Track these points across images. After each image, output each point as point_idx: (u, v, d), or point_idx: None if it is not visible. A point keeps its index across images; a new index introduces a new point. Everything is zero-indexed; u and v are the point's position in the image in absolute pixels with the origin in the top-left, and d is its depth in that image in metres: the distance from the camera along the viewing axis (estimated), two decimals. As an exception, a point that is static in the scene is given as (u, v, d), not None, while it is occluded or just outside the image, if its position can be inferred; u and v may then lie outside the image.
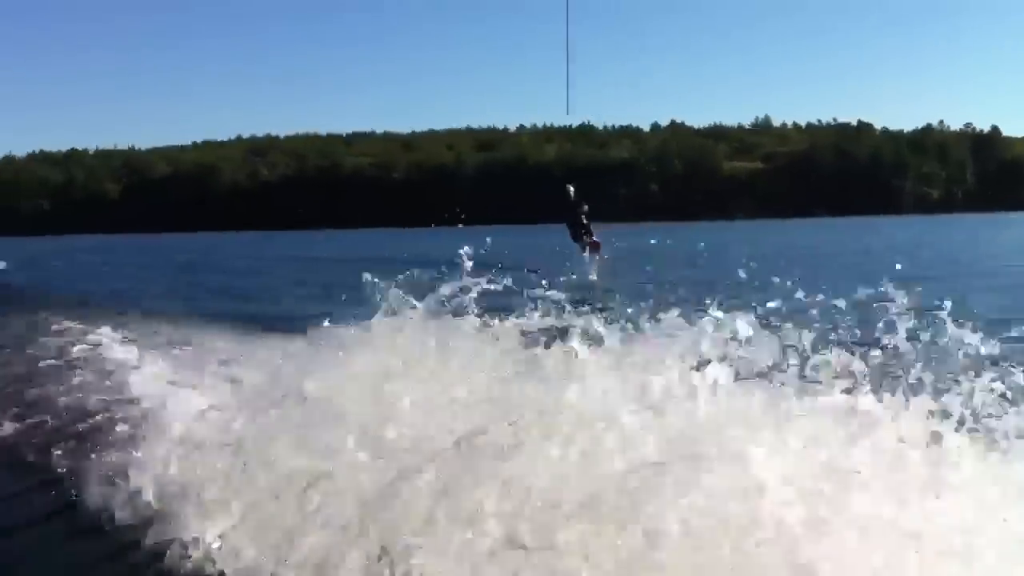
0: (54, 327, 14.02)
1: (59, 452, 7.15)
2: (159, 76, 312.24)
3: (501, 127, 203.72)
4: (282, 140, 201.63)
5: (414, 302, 6.60)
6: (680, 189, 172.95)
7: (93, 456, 6.74)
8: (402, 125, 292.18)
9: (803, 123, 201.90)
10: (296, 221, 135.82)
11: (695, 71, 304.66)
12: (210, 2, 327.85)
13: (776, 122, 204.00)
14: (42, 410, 8.70)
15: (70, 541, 5.71)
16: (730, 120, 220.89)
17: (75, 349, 11.92)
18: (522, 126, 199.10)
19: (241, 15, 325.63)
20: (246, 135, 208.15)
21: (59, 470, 6.77)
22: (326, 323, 7.55)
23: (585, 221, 22.91)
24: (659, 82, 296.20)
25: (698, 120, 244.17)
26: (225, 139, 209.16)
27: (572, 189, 23.57)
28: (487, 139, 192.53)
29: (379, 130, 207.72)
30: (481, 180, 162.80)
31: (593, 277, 20.49)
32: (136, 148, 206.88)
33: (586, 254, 22.59)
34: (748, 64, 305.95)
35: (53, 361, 11.34)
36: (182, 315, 16.51)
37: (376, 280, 6.73)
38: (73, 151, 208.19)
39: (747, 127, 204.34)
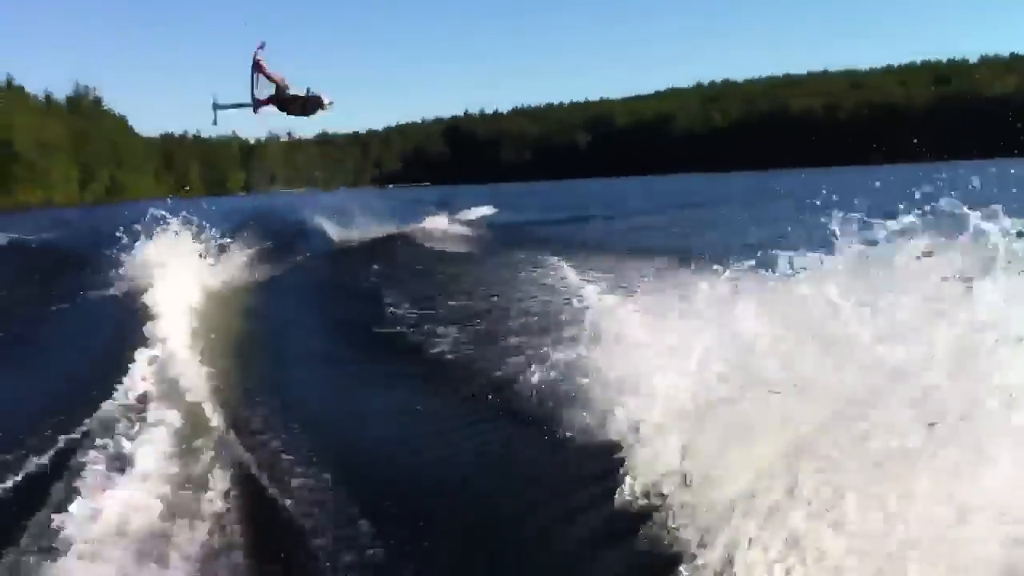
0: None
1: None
2: (622, 32, 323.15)
3: (958, 58, 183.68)
4: (739, 84, 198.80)
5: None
6: None
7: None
8: (851, 62, 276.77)
9: None
10: (748, 163, 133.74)
11: None
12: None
13: None
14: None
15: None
16: None
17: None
18: (984, 56, 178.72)
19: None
20: (705, 81, 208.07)
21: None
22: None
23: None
24: None
25: None
26: (684, 86, 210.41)
27: None
28: (942, 72, 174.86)
29: (832, 68, 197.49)
30: (935, 115, 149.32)
31: None
32: (605, 99, 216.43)
33: None
34: None
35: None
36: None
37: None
38: (549, 105, 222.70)
39: None
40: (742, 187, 61.45)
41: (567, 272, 12.79)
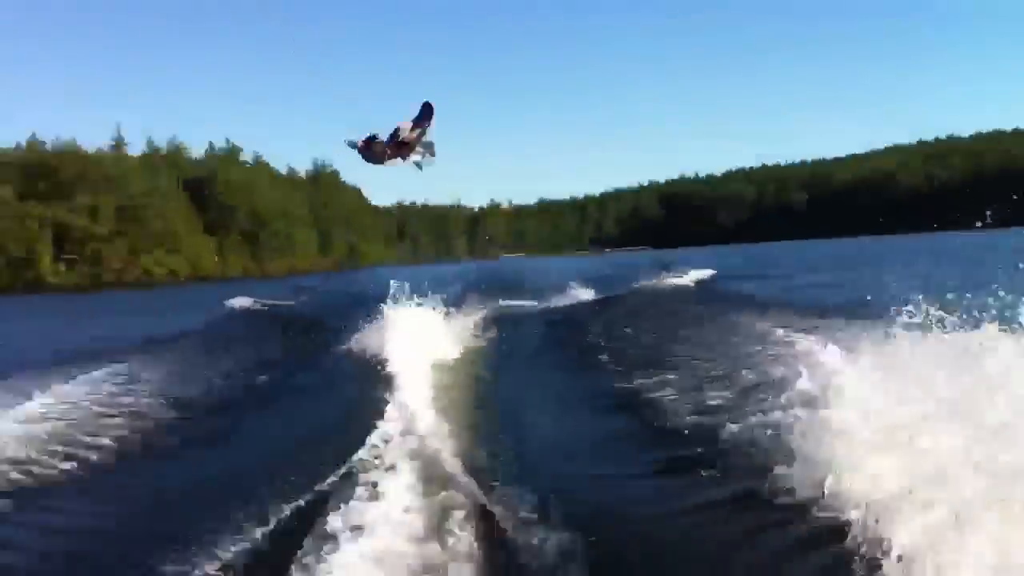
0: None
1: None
2: (837, 89, 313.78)
3: None
4: (964, 139, 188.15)
5: None
6: None
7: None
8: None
9: None
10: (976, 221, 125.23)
11: None
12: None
13: None
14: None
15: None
16: None
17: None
18: None
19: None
20: (928, 138, 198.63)
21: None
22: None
23: None
24: None
25: None
26: (905, 142, 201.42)
27: None
28: None
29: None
30: None
31: None
32: (822, 158, 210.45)
33: None
34: None
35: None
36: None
37: None
38: (764, 166, 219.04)
39: None
40: (978, 246, 58.05)
41: (793, 336, 12.54)
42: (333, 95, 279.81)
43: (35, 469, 8.58)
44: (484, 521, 5.98)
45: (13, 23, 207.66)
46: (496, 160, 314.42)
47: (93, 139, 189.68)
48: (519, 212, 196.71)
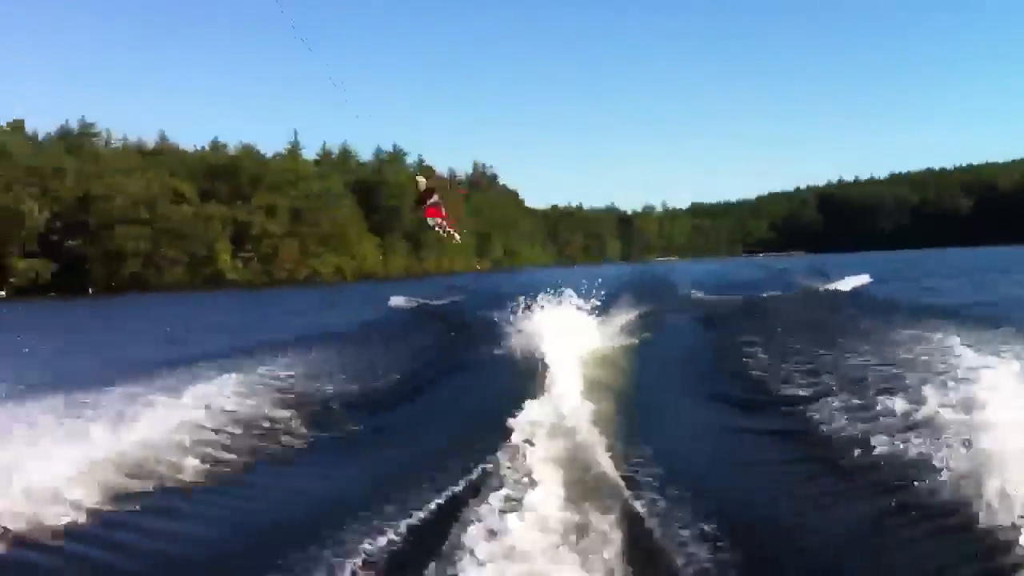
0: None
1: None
2: (1006, 88, 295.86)
3: None
4: None
5: None
6: None
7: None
8: None
9: None
10: None
11: None
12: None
13: None
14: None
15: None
16: None
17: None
18: None
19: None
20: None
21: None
22: None
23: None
24: None
25: None
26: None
27: None
28: None
29: None
30: None
31: None
32: (989, 162, 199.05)
33: None
34: None
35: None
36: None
37: None
38: (928, 170, 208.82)
39: None
40: None
41: (960, 349, 12.04)
42: (487, 98, 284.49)
43: (223, 454, 9.02)
44: (630, 521, 5.94)
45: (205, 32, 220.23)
46: (649, 164, 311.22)
47: (271, 144, 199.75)
48: (671, 216, 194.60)
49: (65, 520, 6.90)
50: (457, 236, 19.64)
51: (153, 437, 9.03)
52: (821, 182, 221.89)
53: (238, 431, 9.94)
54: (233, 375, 12.84)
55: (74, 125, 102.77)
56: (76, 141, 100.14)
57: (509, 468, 7.14)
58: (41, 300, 64.45)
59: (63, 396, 10.55)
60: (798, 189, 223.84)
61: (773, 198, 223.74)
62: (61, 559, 6.25)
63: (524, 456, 7.45)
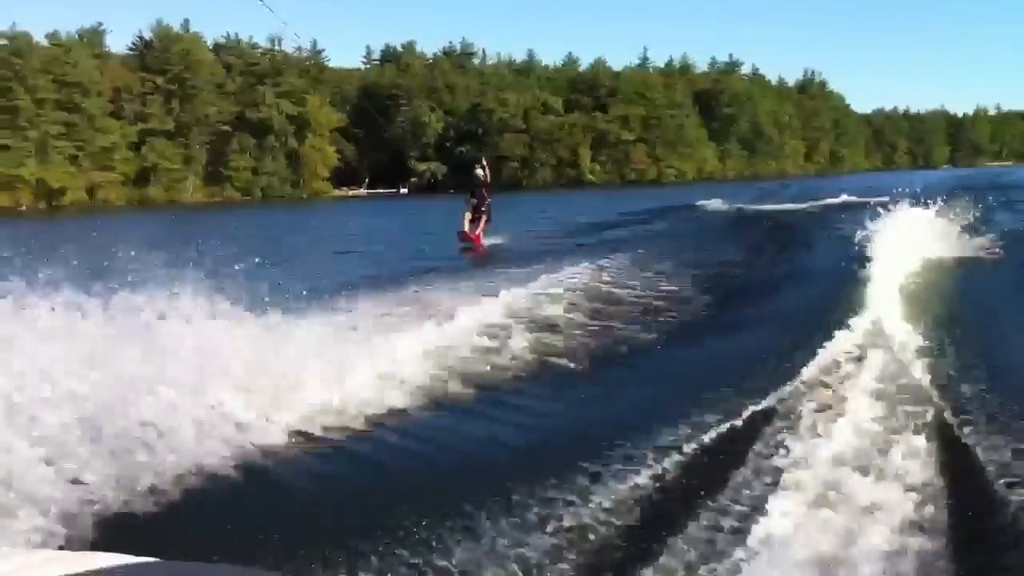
0: None
1: None
2: None
3: None
4: None
5: None
6: None
7: None
8: None
9: None
10: None
11: None
12: None
13: None
14: None
15: None
16: None
17: None
18: None
19: None
20: None
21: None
22: None
23: None
24: None
25: None
26: None
27: None
28: None
29: None
30: None
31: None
32: None
33: None
34: None
35: None
36: None
37: None
38: None
39: None
40: None
41: None
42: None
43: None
44: (947, 450, 4.99)
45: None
46: (983, 64, 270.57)
47: (620, 57, 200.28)
48: (1005, 118, 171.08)
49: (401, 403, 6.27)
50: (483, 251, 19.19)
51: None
52: None
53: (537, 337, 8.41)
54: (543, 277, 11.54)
55: (456, 45, 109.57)
56: (458, 60, 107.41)
57: (816, 387, 6.28)
58: (435, 196, 69.66)
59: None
60: None
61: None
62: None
63: (836, 372, 6.64)
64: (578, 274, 11.91)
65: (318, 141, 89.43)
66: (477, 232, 19.65)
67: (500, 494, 4.38)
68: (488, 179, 20.57)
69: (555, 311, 9.50)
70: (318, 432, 5.62)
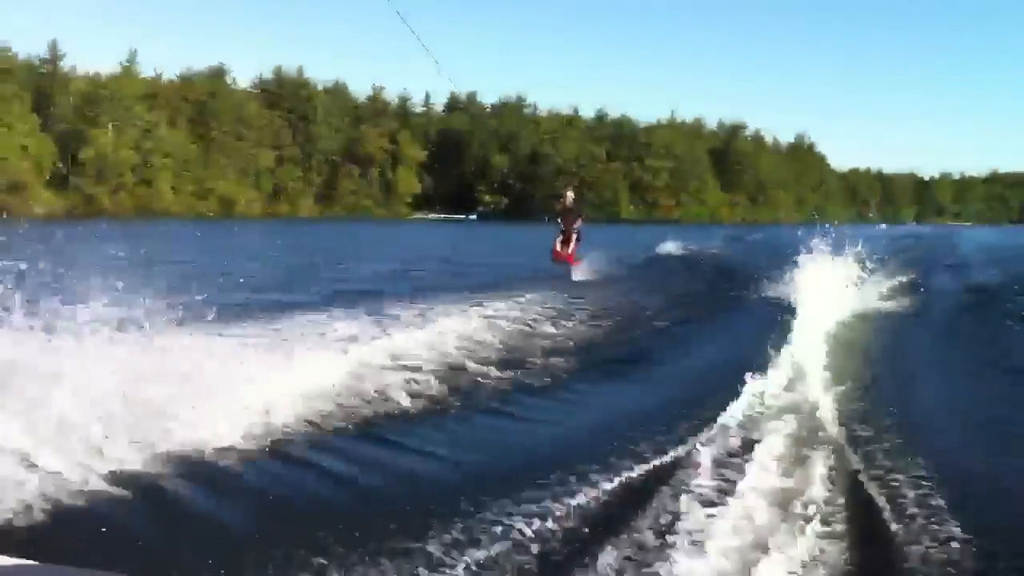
0: None
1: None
2: None
3: None
4: None
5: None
6: None
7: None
8: None
9: None
10: None
11: None
12: None
13: None
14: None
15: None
16: None
17: None
18: None
19: None
20: None
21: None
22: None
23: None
24: None
25: None
26: None
27: None
28: None
29: None
30: None
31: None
32: None
33: None
34: None
35: None
36: None
37: None
38: None
39: None
40: None
41: None
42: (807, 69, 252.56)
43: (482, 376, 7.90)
44: (856, 498, 4.84)
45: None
46: (948, 127, 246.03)
47: (649, 113, 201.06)
48: (966, 183, 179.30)
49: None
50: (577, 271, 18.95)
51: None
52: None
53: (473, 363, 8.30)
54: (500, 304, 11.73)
55: (512, 96, 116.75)
56: (514, 107, 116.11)
57: (734, 425, 6.15)
58: (497, 222, 77.09)
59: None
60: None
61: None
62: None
63: (755, 412, 6.47)
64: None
65: (406, 172, 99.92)
66: (569, 252, 19.12)
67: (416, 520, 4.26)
68: (567, 206, 19.65)
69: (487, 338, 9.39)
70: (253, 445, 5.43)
